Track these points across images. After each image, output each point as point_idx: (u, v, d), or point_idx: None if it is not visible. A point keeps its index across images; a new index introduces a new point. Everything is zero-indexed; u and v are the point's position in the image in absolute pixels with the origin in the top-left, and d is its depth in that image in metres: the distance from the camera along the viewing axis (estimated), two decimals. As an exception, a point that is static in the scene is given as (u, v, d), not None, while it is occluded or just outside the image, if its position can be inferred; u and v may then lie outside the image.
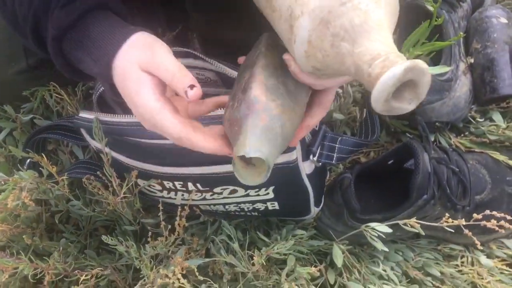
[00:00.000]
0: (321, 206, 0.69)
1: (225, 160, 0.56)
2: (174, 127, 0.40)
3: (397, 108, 0.33)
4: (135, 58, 0.41)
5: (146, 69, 0.41)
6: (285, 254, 0.64)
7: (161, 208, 0.60)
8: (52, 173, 0.61)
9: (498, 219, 0.54)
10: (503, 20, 0.73)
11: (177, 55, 0.60)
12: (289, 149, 0.56)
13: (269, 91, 0.39)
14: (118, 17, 0.45)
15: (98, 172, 0.63)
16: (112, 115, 0.57)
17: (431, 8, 0.57)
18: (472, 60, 0.73)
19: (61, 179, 0.63)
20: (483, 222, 0.53)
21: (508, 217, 0.55)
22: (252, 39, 0.48)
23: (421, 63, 0.30)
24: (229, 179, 0.59)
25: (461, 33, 0.62)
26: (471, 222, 0.54)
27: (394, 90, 0.31)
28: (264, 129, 0.37)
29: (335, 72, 0.37)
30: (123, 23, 0.44)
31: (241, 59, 0.49)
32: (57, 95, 0.74)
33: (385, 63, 0.31)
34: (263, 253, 0.58)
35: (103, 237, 0.59)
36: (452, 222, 0.55)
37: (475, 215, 0.55)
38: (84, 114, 0.59)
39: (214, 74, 0.64)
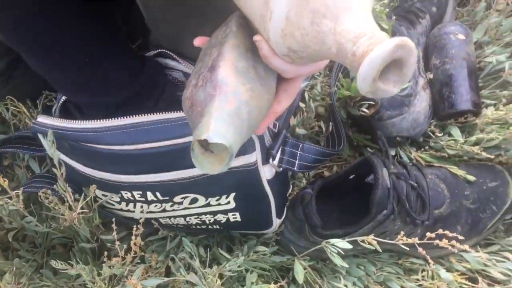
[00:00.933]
0: (283, 218, 0.69)
1: (185, 165, 0.56)
2: None
3: (383, 90, 0.31)
4: None
5: None
6: (247, 270, 0.63)
7: (115, 227, 0.59)
8: (6, 189, 0.59)
9: (450, 239, 0.56)
10: (461, 37, 0.75)
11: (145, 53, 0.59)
12: (248, 151, 0.56)
13: (239, 73, 0.36)
14: None
15: (54, 186, 0.62)
16: (69, 120, 0.55)
17: (385, 26, 0.58)
18: (431, 76, 0.75)
19: (16, 194, 0.61)
20: (436, 241, 0.54)
21: (460, 237, 0.56)
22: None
23: (409, 41, 0.29)
24: (190, 186, 0.58)
25: (417, 50, 0.63)
26: (424, 241, 0.55)
27: (382, 68, 0.29)
28: (231, 114, 0.34)
29: (313, 54, 0.34)
30: None
31: (199, 40, 0.45)
32: (14, 108, 0.72)
33: (372, 41, 0.29)
34: (215, 271, 0.57)
35: (52, 262, 0.57)
36: (407, 240, 0.55)
37: (428, 233, 0.56)
38: (41, 119, 0.57)
39: (181, 74, 0.63)
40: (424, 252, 0.57)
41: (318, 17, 0.31)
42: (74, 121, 0.55)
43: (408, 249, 0.61)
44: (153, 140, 0.53)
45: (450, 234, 0.55)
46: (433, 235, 0.55)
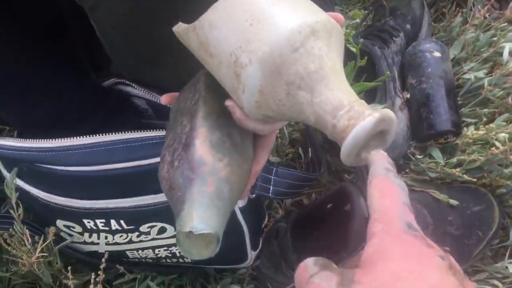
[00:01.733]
0: (258, 250, 0.65)
1: (149, 190, 0.53)
2: None
3: (365, 158, 0.31)
4: None
5: None
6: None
7: (71, 276, 0.54)
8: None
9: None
10: (437, 54, 0.72)
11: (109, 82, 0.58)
12: None
13: (214, 148, 0.34)
14: None
15: (10, 229, 0.58)
16: (26, 140, 0.52)
17: (353, 49, 0.55)
18: (408, 96, 0.72)
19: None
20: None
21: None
22: (179, 84, 0.45)
23: (389, 113, 0.29)
24: (155, 214, 0.55)
25: (388, 73, 0.60)
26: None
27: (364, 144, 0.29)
28: (212, 197, 0.33)
29: (290, 118, 0.34)
30: None
31: (166, 98, 0.44)
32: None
33: (351, 114, 0.29)
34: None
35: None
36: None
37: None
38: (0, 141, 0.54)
39: (144, 102, 0.60)
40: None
41: (293, 89, 0.31)
42: (31, 140, 0.52)
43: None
44: (116, 161, 0.50)
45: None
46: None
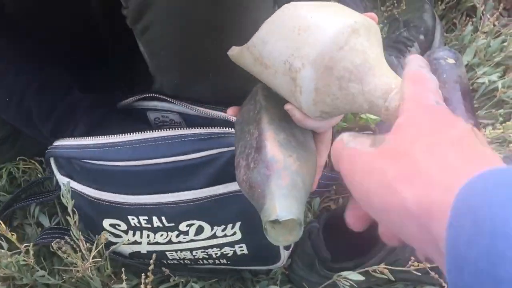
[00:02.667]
0: (290, 250, 0.69)
1: (189, 185, 0.57)
2: None
3: None
4: None
5: None
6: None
7: (124, 278, 0.59)
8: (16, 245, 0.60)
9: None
10: (451, 61, 0.76)
11: (142, 99, 0.62)
12: None
13: (283, 147, 0.39)
14: None
15: (66, 237, 0.63)
16: (76, 138, 0.58)
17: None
18: (426, 101, 0.76)
19: (25, 248, 0.62)
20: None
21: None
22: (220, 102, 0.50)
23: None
24: (194, 211, 0.59)
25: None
26: (436, 265, 0.54)
27: None
28: (289, 188, 0.37)
29: (345, 111, 0.39)
30: None
31: (233, 110, 0.49)
32: (24, 166, 0.75)
33: (401, 95, 0.32)
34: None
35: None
36: (418, 265, 0.55)
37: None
38: (56, 143, 0.60)
39: (178, 116, 0.65)
40: (437, 276, 0.56)
41: (344, 82, 0.36)
42: (83, 138, 0.58)
43: (421, 275, 0.60)
44: (159, 156, 0.55)
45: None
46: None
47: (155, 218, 0.60)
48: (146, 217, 0.60)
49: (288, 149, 0.39)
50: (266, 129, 0.40)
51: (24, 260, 0.63)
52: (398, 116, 0.30)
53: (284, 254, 0.67)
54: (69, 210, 0.58)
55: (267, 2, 0.48)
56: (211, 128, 0.56)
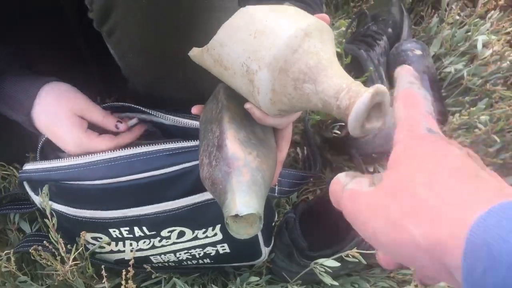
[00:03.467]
0: (271, 246, 0.70)
1: (167, 197, 0.58)
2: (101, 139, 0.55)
3: (370, 128, 0.36)
4: (65, 106, 0.54)
5: (80, 114, 0.56)
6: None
7: (104, 274, 0.60)
8: (-4, 252, 0.61)
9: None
10: (418, 52, 0.79)
11: (114, 109, 0.63)
12: None
13: (243, 145, 0.41)
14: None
15: (44, 242, 0.63)
16: (52, 161, 0.58)
17: (339, 50, 0.62)
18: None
19: (6, 255, 0.62)
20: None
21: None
22: (193, 99, 0.51)
23: (381, 87, 0.34)
24: (174, 218, 0.60)
25: (371, 68, 0.67)
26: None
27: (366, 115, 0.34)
28: (249, 184, 0.38)
29: (301, 109, 0.40)
30: (34, 77, 0.56)
31: (197, 108, 0.50)
32: (4, 172, 0.75)
33: (350, 94, 0.35)
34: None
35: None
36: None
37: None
38: (27, 167, 0.60)
39: (151, 125, 0.65)
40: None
41: (299, 83, 0.37)
42: (57, 160, 0.58)
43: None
44: (135, 173, 0.56)
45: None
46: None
47: (136, 228, 0.61)
48: (127, 228, 0.61)
49: (248, 146, 0.41)
50: (227, 128, 0.42)
51: (5, 266, 0.63)
52: (393, 145, 0.31)
53: (265, 250, 0.68)
54: (47, 213, 0.59)
55: (231, 2, 0.50)
56: (184, 141, 0.57)
